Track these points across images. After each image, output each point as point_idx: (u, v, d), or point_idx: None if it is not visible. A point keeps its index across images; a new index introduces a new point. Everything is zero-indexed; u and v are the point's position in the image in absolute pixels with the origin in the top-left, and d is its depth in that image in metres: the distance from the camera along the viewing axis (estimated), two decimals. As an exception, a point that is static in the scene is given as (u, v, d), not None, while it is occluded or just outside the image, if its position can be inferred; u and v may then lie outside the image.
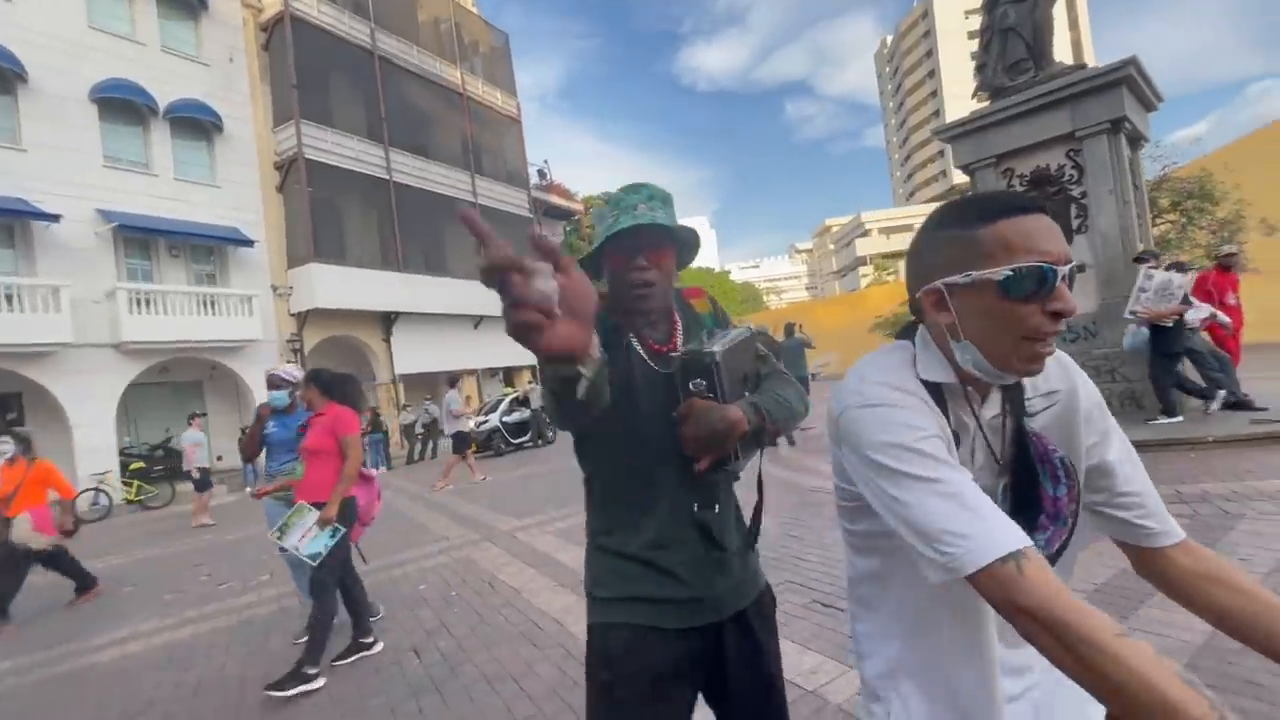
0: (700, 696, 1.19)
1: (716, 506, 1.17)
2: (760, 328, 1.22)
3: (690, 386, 1.09)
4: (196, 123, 15.38)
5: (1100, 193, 7.06)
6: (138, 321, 13.52)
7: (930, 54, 69.77)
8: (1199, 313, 6.34)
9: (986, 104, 8.17)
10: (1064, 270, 0.68)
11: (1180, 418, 6.05)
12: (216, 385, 16.32)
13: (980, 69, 8.45)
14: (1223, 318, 6.56)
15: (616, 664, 1.10)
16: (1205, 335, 6.72)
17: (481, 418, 14.46)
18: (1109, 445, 0.79)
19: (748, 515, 1.28)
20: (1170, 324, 5.86)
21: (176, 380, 15.60)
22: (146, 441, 14.73)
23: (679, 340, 1.21)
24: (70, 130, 13.35)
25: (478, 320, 20.38)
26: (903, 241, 64.98)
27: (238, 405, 16.37)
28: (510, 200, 23.35)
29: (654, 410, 1.13)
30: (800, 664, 2.59)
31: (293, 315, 16.78)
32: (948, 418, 0.76)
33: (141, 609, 5.00)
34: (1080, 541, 0.79)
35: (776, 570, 3.71)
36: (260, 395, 15.80)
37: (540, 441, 15.29)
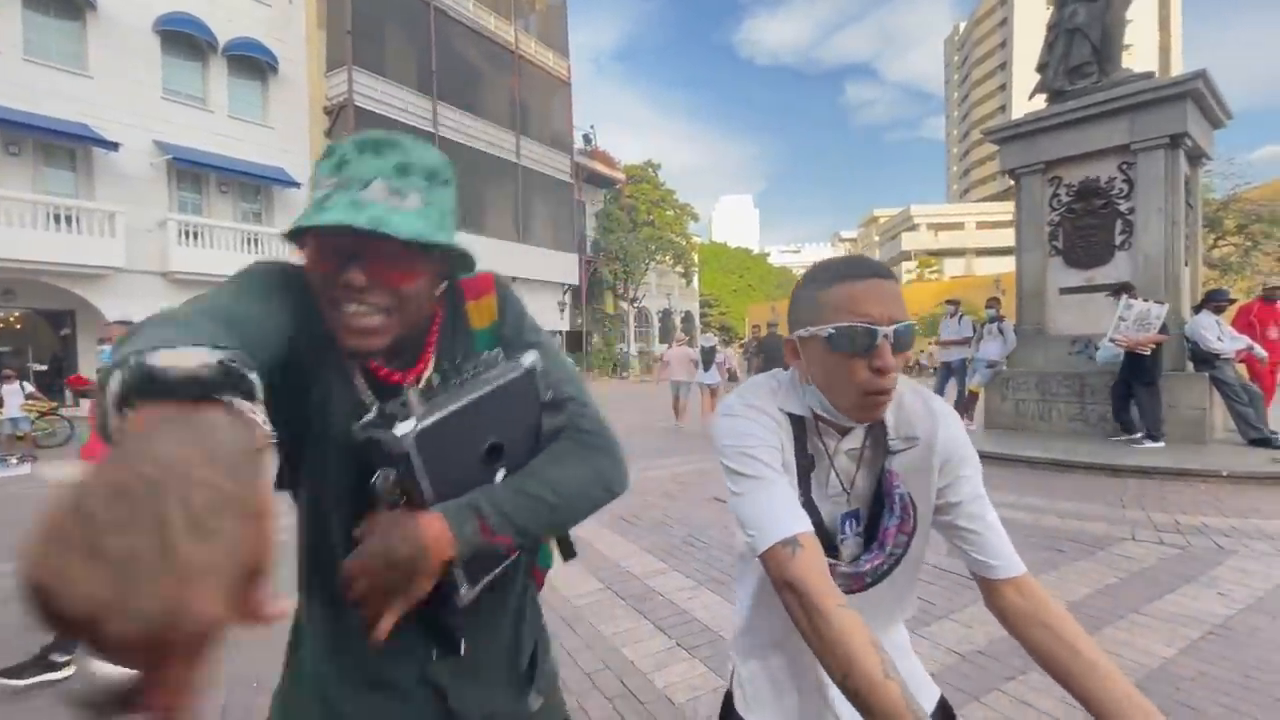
0: None
1: (462, 647, 0.79)
2: (535, 364, 0.78)
3: (373, 483, 0.68)
4: (253, 62, 15.69)
5: (1149, 210, 6.81)
6: (185, 253, 14.08)
7: (1004, 45, 66.56)
8: (1235, 344, 6.17)
9: (1044, 106, 7.88)
10: (885, 330, 0.76)
11: (1163, 443, 6.15)
12: (255, 321, 16.96)
13: (1042, 69, 8.14)
14: (1260, 351, 6.34)
15: None
16: (1241, 367, 6.50)
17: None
18: (960, 488, 0.86)
19: None
20: (1147, 352, 6.10)
21: (218, 312, 16.25)
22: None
23: (427, 367, 0.79)
24: (134, 60, 13.77)
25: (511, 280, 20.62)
26: (951, 239, 63.06)
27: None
28: (552, 164, 23.36)
29: (353, 489, 0.72)
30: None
31: (331, 260, 17.24)
32: (806, 444, 0.86)
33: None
34: (911, 567, 0.88)
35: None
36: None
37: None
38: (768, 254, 70.86)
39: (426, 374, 0.78)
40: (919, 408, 0.88)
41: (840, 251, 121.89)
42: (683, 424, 10.83)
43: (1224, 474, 5.21)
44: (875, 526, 0.86)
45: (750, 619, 0.97)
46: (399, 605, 0.67)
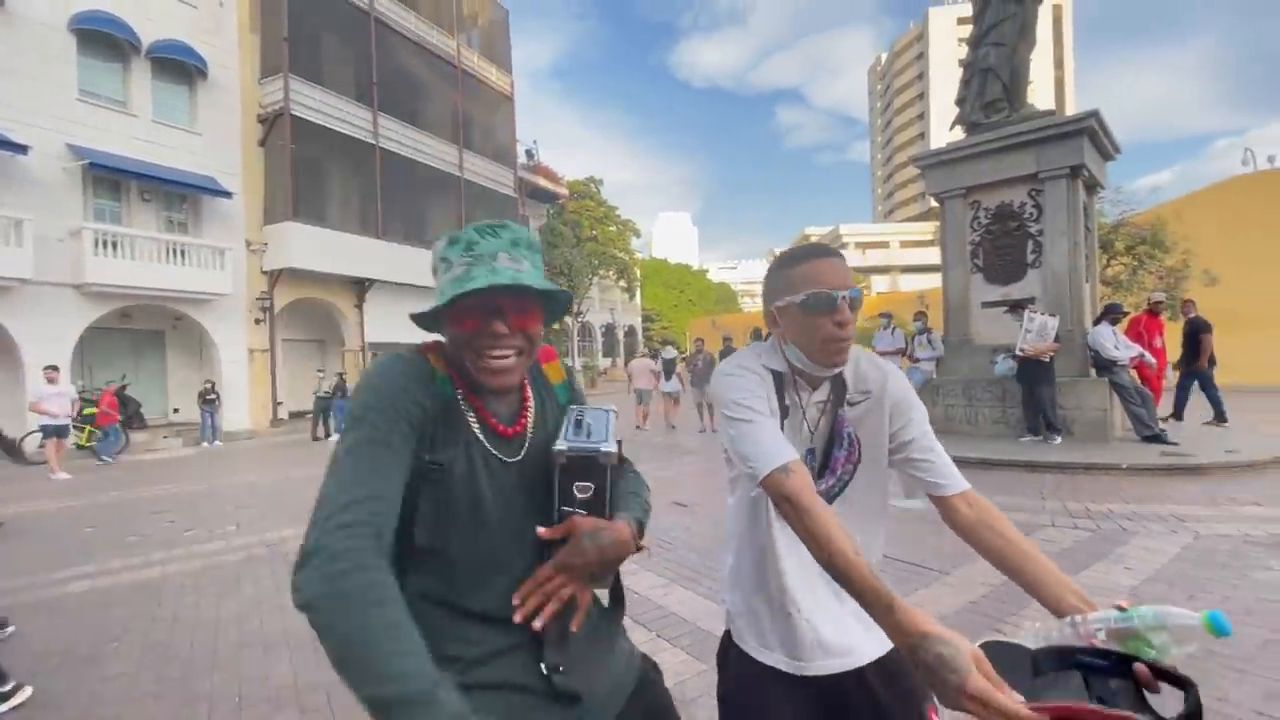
0: None
1: (561, 668, 0.88)
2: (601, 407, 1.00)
3: (575, 492, 0.88)
4: (180, 65, 14.95)
5: (1055, 233, 7.58)
6: (102, 263, 13.16)
7: (921, 76, 71.28)
8: (1128, 352, 6.93)
9: (963, 137, 8.63)
10: (843, 294, 1.01)
11: (1059, 438, 7.03)
12: (179, 336, 15.98)
13: (960, 103, 8.92)
14: (1149, 358, 7.17)
15: None
16: (1133, 373, 7.31)
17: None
18: (911, 428, 1.10)
19: None
20: (1048, 359, 6.94)
21: (137, 328, 15.24)
22: (101, 387, 14.37)
23: (528, 420, 0.95)
24: (47, 60, 12.88)
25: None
26: (879, 257, 66.51)
27: (201, 358, 16.08)
28: (496, 178, 23.24)
29: (499, 520, 0.88)
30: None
31: (265, 273, 16.51)
32: (783, 397, 1.10)
33: (105, 548, 5.08)
34: (869, 493, 1.12)
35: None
36: (226, 350, 15.56)
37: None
38: (706, 270, 72.51)
39: (529, 424, 0.95)
40: (870, 369, 1.13)
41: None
42: (646, 428, 11.44)
43: (1124, 466, 5.86)
44: (828, 458, 1.10)
45: (735, 563, 1.19)
46: (595, 587, 0.90)
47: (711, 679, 2.49)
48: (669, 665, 2.70)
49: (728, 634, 1.20)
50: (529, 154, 28.27)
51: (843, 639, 1.09)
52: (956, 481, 1.06)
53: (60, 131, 12.97)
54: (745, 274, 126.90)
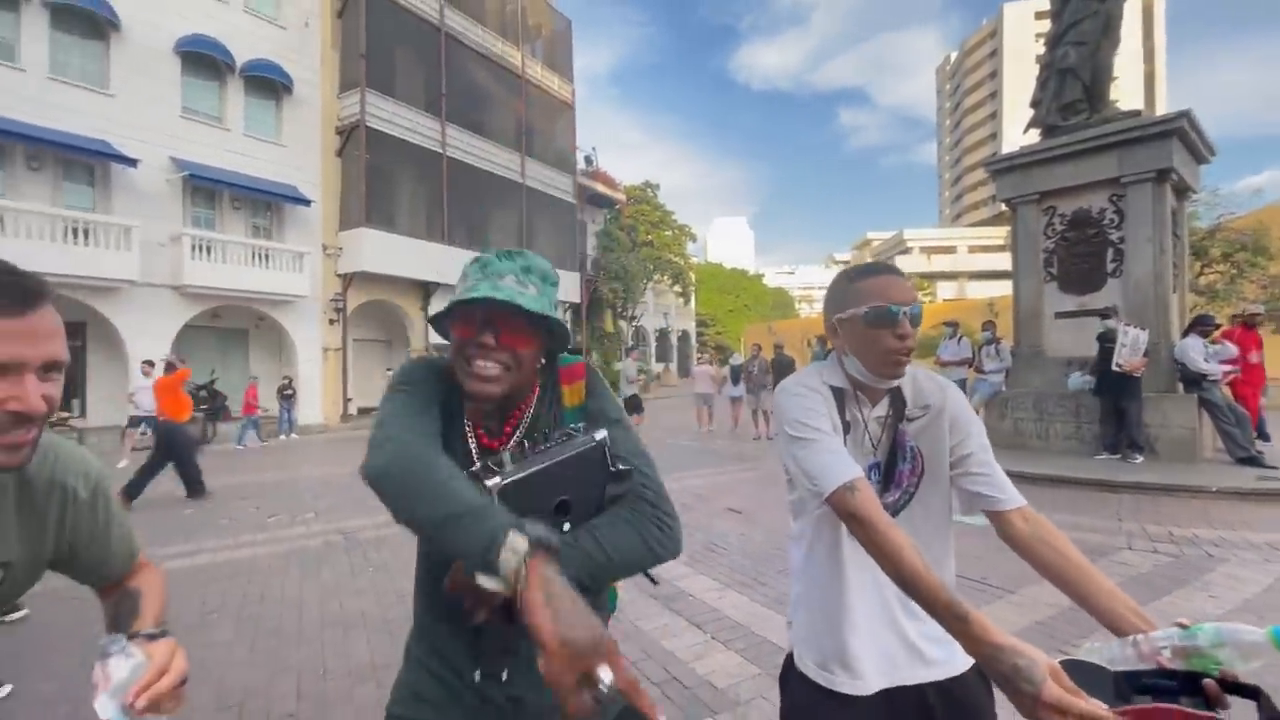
0: None
1: (504, 675, 0.97)
2: (605, 439, 0.94)
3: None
4: (269, 82, 16.06)
5: (1139, 240, 7.17)
6: (197, 267, 14.27)
7: (994, 75, 68.31)
8: (1220, 365, 6.51)
9: (1037, 140, 8.29)
10: (905, 309, 1.05)
11: (1140, 457, 6.61)
12: (261, 335, 17.10)
13: (1035, 104, 8.56)
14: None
15: None
16: (1226, 390, 6.82)
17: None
18: (969, 442, 1.12)
19: None
20: (1139, 375, 6.56)
21: (225, 326, 16.41)
22: (194, 381, 15.53)
23: (514, 435, 1.01)
24: (154, 80, 14.10)
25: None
26: (945, 263, 64.01)
27: (280, 356, 17.15)
28: (556, 184, 23.78)
29: None
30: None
31: (339, 276, 17.47)
32: (844, 412, 1.12)
33: (201, 530, 5.54)
34: (932, 508, 1.14)
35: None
36: (303, 348, 16.56)
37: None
38: (762, 275, 71.66)
39: (511, 443, 1.00)
40: (930, 384, 1.16)
41: (834, 274, 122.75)
42: (710, 428, 12.38)
43: (1213, 489, 5.49)
44: (892, 472, 1.12)
45: (802, 588, 1.20)
46: (482, 608, 0.84)
47: (763, 683, 2.54)
48: (723, 667, 2.76)
49: (790, 657, 1.22)
50: (588, 160, 28.73)
51: (906, 661, 1.11)
52: (1013, 496, 1.08)
53: (165, 146, 14.16)
54: (803, 279, 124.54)
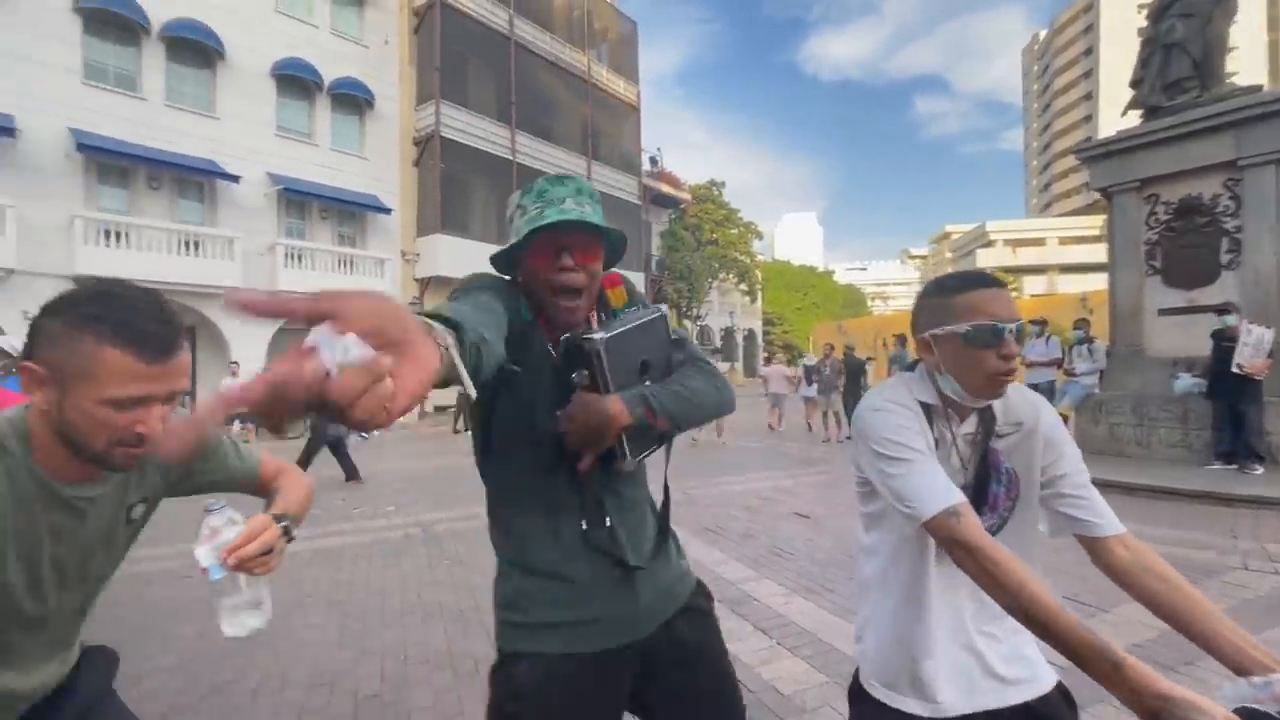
0: None
1: (607, 521, 1.07)
2: (665, 311, 1.16)
3: (573, 378, 1.00)
4: (353, 99, 17.09)
5: (1259, 229, 6.52)
6: (290, 274, 15.38)
7: (1089, 52, 63.44)
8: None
9: (1138, 122, 7.66)
10: (1009, 327, 0.97)
11: (1260, 468, 6.03)
12: (347, 336, 18.21)
13: (1136, 84, 7.92)
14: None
15: (525, 698, 1.01)
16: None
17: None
18: (1064, 463, 1.06)
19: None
20: (1261, 378, 6.01)
21: (316, 328, 17.58)
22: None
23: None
24: (254, 102, 15.30)
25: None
26: (1031, 256, 60.10)
27: (363, 356, 18.21)
28: (621, 186, 24.03)
29: (551, 413, 1.03)
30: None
31: (416, 280, 18.36)
32: (932, 429, 1.06)
33: (295, 519, 5.97)
34: (1024, 531, 1.08)
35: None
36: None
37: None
38: (832, 272, 69.61)
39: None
40: (1020, 400, 1.09)
41: (910, 269, 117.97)
42: (781, 428, 12.68)
43: (1349, 507, 4.90)
44: (983, 495, 1.05)
45: (873, 609, 1.14)
46: (591, 452, 1.02)
47: (831, 691, 2.49)
48: (789, 674, 2.72)
49: (858, 675, 1.17)
50: (653, 161, 28.87)
51: (986, 683, 1.06)
52: (1113, 522, 1.01)
53: (262, 162, 15.33)
54: (875, 275, 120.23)
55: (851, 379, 11.10)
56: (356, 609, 3.62)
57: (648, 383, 1.07)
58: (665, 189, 28.72)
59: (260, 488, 1.21)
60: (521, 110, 19.95)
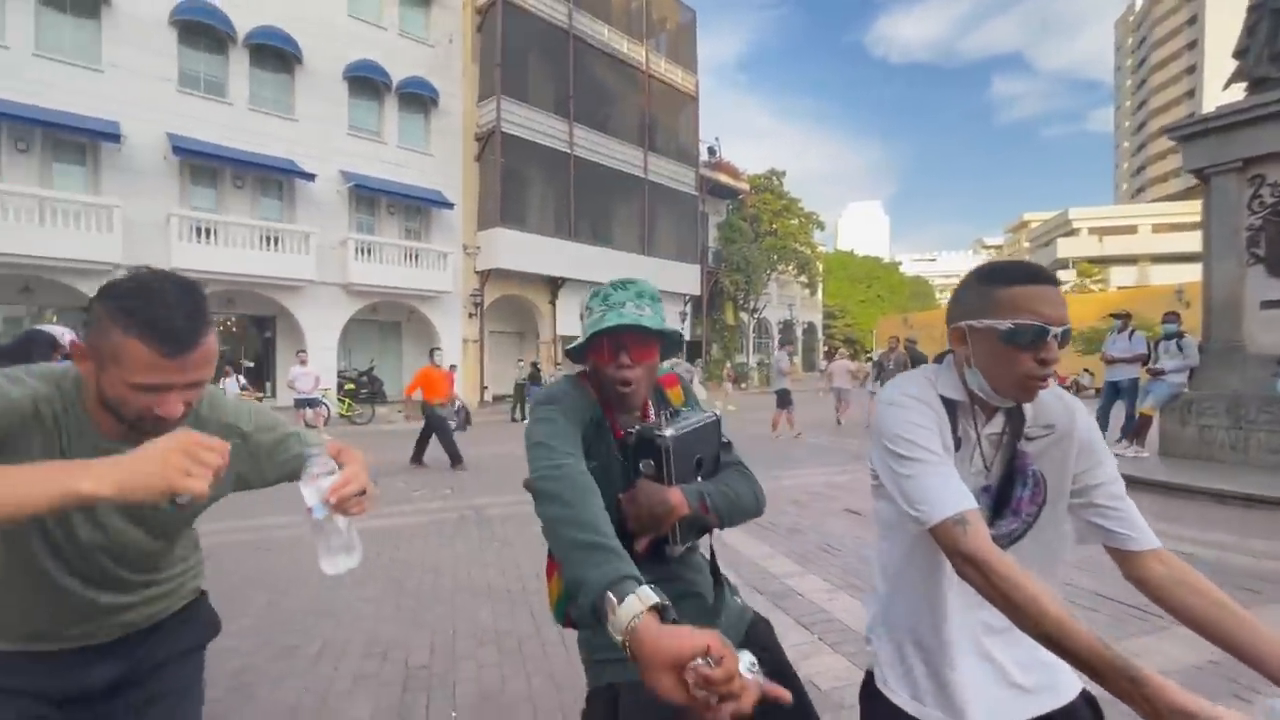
0: None
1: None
2: (720, 416, 1.32)
3: (640, 467, 1.15)
4: (419, 97, 17.72)
5: (1383, 211, 5.82)
6: (361, 267, 16.18)
7: (1194, 20, 58.11)
8: None
9: (1241, 97, 7.00)
10: (1056, 330, 0.90)
11: None
12: (413, 327, 18.98)
13: (1240, 54, 7.23)
14: None
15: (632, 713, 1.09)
16: None
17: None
18: (1099, 471, 0.99)
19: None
20: None
21: (382, 319, 18.42)
22: (356, 368, 17.62)
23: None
24: (328, 103, 16.13)
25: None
26: (1117, 245, 55.89)
27: (428, 346, 18.93)
28: (679, 178, 23.90)
29: (613, 496, 1.14)
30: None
31: (477, 273, 18.92)
32: (955, 426, 1.00)
33: (360, 499, 6.31)
34: (1049, 538, 1.01)
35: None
36: (446, 339, 18.16)
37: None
38: (899, 263, 66.97)
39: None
40: (1053, 401, 1.02)
41: (983, 260, 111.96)
42: (843, 421, 12.89)
43: None
44: (1006, 498, 1.00)
45: (883, 608, 1.11)
46: (648, 535, 1.13)
47: (873, 691, 2.43)
48: (829, 669, 2.68)
49: (871, 677, 1.12)
50: (711, 151, 28.57)
51: (1006, 693, 1.01)
52: (1148, 537, 0.95)
53: (335, 161, 16.15)
54: (945, 266, 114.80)
55: None
56: (411, 585, 3.81)
57: (699, 478, 1.22)
58: (723, 179, 28.37)
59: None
60: (579, 103, 20.14)
